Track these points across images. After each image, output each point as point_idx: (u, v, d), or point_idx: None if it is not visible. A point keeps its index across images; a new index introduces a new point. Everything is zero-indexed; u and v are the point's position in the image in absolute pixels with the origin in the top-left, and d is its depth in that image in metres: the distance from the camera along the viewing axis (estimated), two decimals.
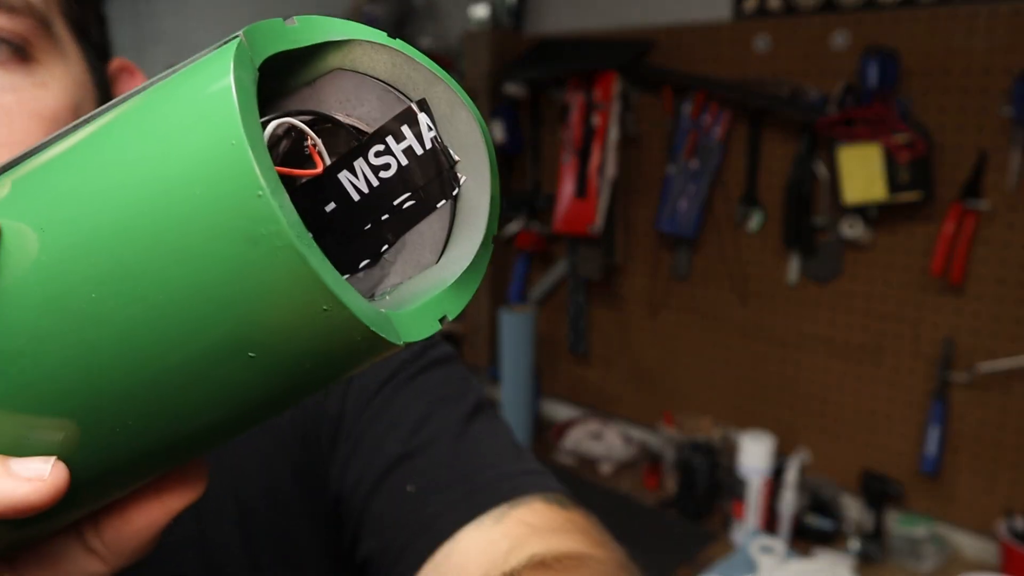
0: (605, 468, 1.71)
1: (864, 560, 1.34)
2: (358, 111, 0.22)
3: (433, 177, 0.22)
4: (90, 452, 0.21)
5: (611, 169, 1.65)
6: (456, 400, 0.51)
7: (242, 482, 0.48)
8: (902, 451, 1.44)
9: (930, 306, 1.37)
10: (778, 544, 1.33)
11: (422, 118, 0.21)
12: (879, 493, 1.39)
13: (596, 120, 1.65)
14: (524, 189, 1.93)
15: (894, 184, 1.32)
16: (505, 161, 1.94)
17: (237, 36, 0.19)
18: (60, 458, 0.21)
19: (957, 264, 1.29)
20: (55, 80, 0.40)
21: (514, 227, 1.92)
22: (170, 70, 0.20)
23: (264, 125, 0.19)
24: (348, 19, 0.24)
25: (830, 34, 1.41)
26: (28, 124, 0.38)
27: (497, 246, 1.95)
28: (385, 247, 0.22)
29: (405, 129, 0.21)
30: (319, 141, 0.21)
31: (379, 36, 0.22)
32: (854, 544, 1.36)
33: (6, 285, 0.19)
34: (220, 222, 0.17)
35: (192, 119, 0.18)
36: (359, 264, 0.22)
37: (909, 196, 1.32)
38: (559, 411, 1.98)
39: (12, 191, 0.20)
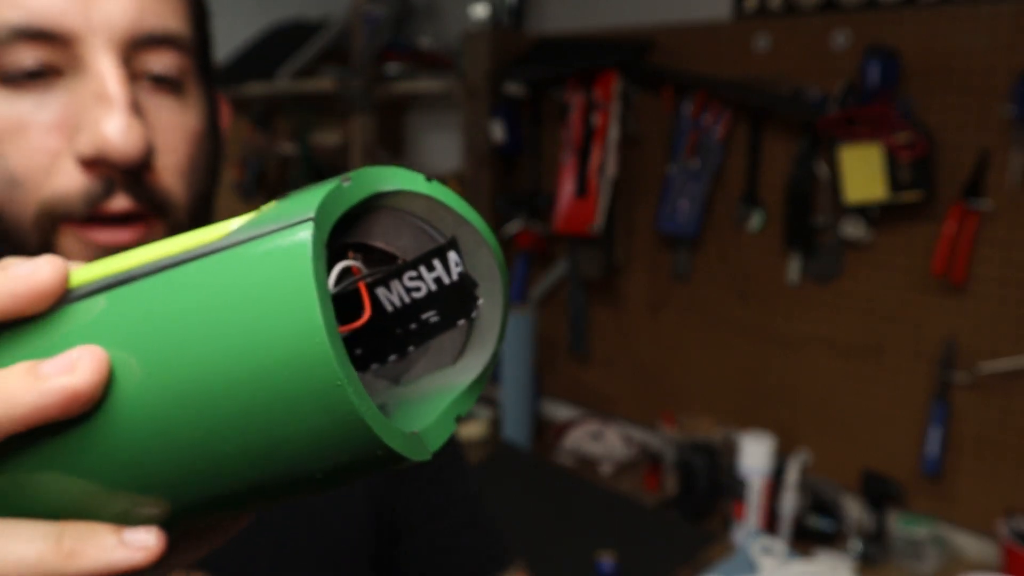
0: (605, 468, 1.71)
1: (865, 560, 1.33)
2: (397, 243, 0.27)
3: (456, 302, 0.27)
4: (175, 525, 0.27)
5: (611, 169, 1.65)
6: (469, 476, 0.68)
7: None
8: (903, 451, 1.43)
9: (931, 306, 1.37)
10: (779, 544, 1.33)
11: (451, 255, 0.26)
12: (880, 493, 1.38)
13: (596, 120, 1.65)
14: (524, 189, 1.93)
15: (895, 184, 1.32)
16: (505, 161, 1.94)
17: (310, 220, 0.23)
18: (159, 527, 0.26)
19: (958, 264, 1.29)
20: (195, 107, 0.51)
21: (514, 227, 1.92)
22: (259, 228, 0.24)
23: (330, 268, 0.25)
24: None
25: (831, 33, 1.41)
26: (180, 139, 0.49)
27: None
28: (411, 348, 0.27)
29: (436, 262, 0.26)
30: (367, 276, 0.26)
31: (419, 183, 0.27)
32: (855, 545, 1.36)
33: (115, 407, 0.25)
34: (304, 398, 0.23)
35: (280, 312, 0.23)
36: (388, 358, 0.27)
37: (910, 196, 1.31)
38: (559, 411, 1.98)
39: (109, 311, 0.25)
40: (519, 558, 0.69)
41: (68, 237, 0.46)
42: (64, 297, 0.26)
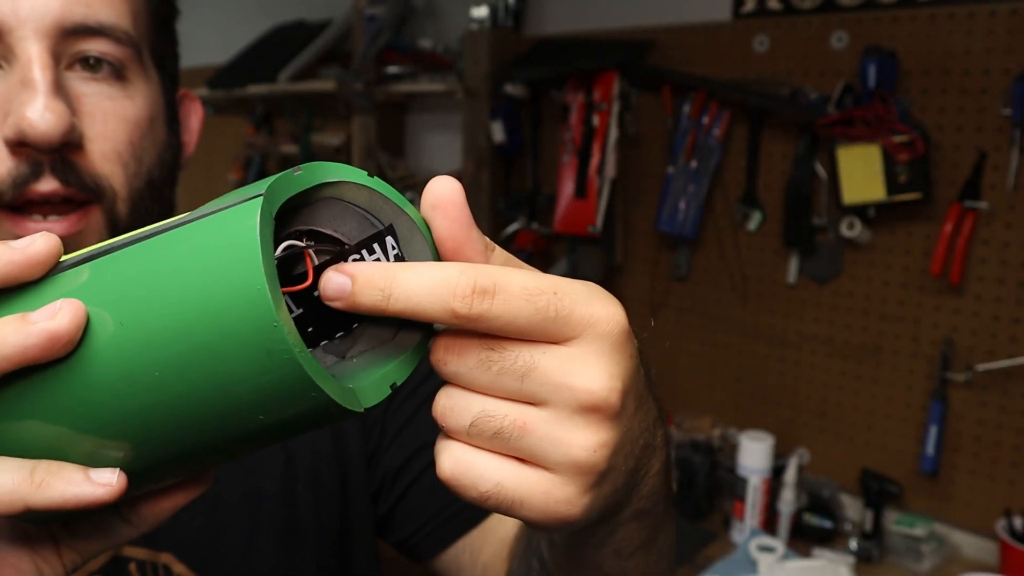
0: None
1: (863, 559, 1.34)
2: (342, 229, 0.31)
3: None
4: (139, 465, 0.31)
5: (611, 169, 1.66)
6: None
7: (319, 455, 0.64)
8: (901, 451, 1.44)
9: (929, 306, 1.38)
10: (777, 543, 1.33)
11: (389, 240, 0.31)
12: (878, 492, 1.39)
13: (596, 120, 1.65)
14: (524, 189, 1.94)
15: (893, 184, 1.33)
16: (505, 161, 1.94)
17: (260, 196, 0.28)
18: (121, 469, 0.31)
19: (956, 264, 1.30)
20: (139, 95, 0.52)
21: (514, 227, 1.93)
22: (219, 205, 0.29)
23: (278, 244, 0.29)
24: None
25: (829, 34, 1.41)
26: (117, 125, 0.50)
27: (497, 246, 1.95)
28: (355, 324, 0.32)
29: (376, 246, 0.31)
30: (314, 256, 0.30)
31: (361, 177, 0.31)
32: (853, 543, 1.36)
33: (91, 355, 0.29)
34: (248, 339, 0.27)
35: (230, 267, 0.27)
36: (336, 334, 0.31)
37: (908, 196, 1.32)
38: None
39: (91, 279, 0.30)
40: None
41: (1, 227, 0.48)
42: (55, 267, 0.31)
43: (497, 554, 0.62)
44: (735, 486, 1.41)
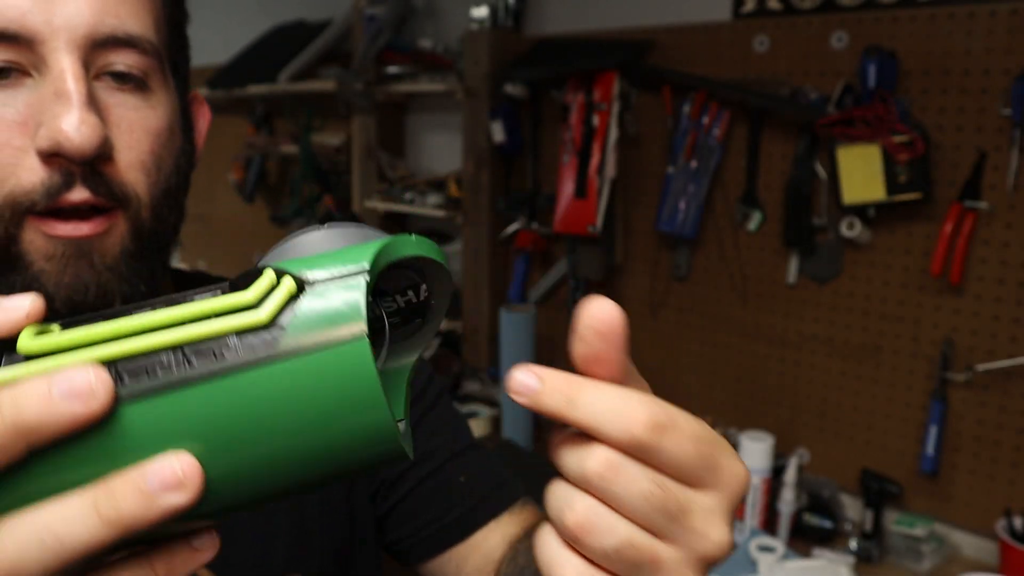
0: None
1: (863, 559, 1.34)
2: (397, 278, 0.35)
3: (419, 308, 0.36)
4: (216, 491, 0.29)
5: (611, 169, 1.66)
6: (463, 424, 0.74)
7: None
8: (901, 451, 1.44)
9: (929, 306, 1.38)
10: (777, 543, 1.33)
11: (423, 286, 0.35)
12: (878, 492, 1.39)
13: (596, 120, 1.65)
14: (524, 189, 1.94)
15: (893, 184, 1.33)
16: (505, 161, 1.94)
17: (363, 334, 0.28)
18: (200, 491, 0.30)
19: (956, 264, 1.30)
20: (161, 105, 0.53)
21: (514, 227, 1.93)
22: (301, 331, 0.29)
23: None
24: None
25: (829, 34, 1.41)
26: (142, 136, 0.51)
27: (497, 246, 1.95)
28: (387, 339, 0.35)
29: (410, 290, 0.35)
30: (384, 315, 0.35)
31: (410, 248, 0.33)
32: (853, 543, 1.36)
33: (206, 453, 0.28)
34: (363, 449, 0.29)
35: (352, 411, 0.28)
36: (379, 352, 0.34)
37: (908, 196, 1.32)
38: None
39: (174, 417, 0.28)
40: (526, 498, 0.73)
41: (31, 231, 0.49)
42: (115, 403, 0.28)
43: (481, 569, 0.66)
44: None
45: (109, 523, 0.27)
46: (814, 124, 1.39)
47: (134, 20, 0.51)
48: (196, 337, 0.28)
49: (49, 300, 0.47)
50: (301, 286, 0.29)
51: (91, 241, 0.49)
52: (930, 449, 1.36)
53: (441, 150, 2.25)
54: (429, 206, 2.07)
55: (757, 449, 1.39)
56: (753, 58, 1.52)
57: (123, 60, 0.50)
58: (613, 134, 1.65)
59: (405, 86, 2.12)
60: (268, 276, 0.29)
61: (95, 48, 0.49)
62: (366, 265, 0.29)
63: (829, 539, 1.40)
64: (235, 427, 0.28)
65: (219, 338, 0.28)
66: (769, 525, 1.41)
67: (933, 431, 1.36)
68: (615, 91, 1.63)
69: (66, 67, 0.47)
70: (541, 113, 1.88)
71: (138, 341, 0.28)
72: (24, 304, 0.29)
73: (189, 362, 0.28)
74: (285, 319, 0.28)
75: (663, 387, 1.78)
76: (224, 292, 0.30)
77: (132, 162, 0.51)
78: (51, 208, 0.48)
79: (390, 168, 2.26)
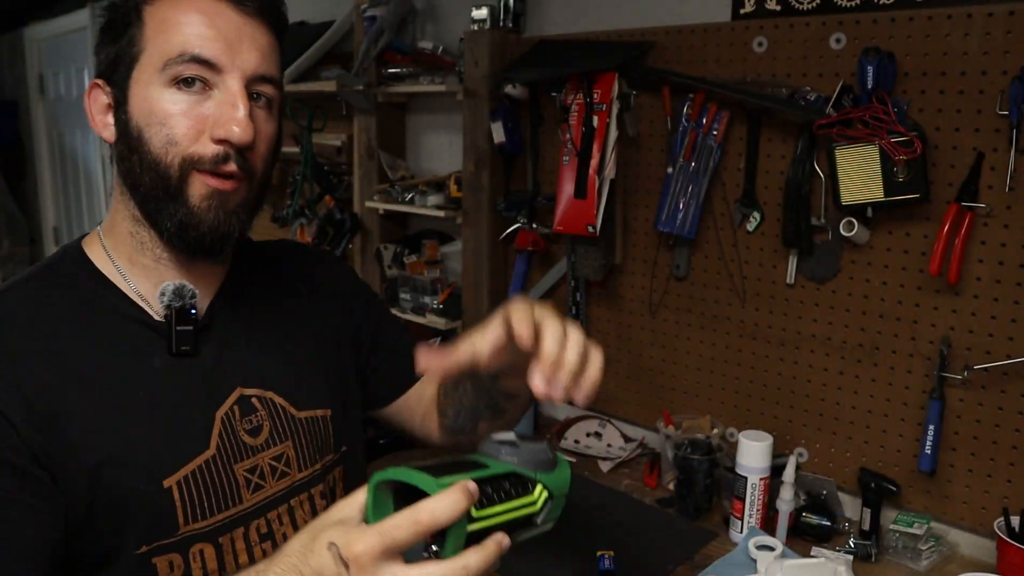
0: (604, 466, 1.72)
1: (861, 558, 1.34)
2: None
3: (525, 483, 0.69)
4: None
5: (611, 169, 1.66)
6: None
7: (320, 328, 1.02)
8: (899, 450, 1.44)
9: (927, 306, 1.38)
10: (776, 542, 1.34)
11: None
12: (876, 491, 1.39)
13: (596, 120, 1.66)
14: (524, 189, 1.94)
15: (891, 185, 1.33)
16: (505, 161, 1.95)
17: (559, 505, 0.71)
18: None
19: (954, 264, 1.30)
20: (275, 119, 0.86)
21: (514, 227, 1.93)
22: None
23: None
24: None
25: (828, 35, 1.42)
26: (267, 137, 0.84)
27: (497, 246, 1.96)
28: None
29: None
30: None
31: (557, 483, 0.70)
32: (851, 542, 1.37)
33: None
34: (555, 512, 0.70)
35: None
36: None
37: (906, 196, 1.33)
38: (559, 409, 1.99)
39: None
40: None
41: (195, 181, 0.80)
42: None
43: (428, 405, 1.08)
44: (734, 485, 1.42)
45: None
46: (813, 125, 1.40)
47: (275, 68, 0.83)
48: (519, 516, 0.64)
49: (198, 225, 0.80)
50: (550, 496, 0.67)
51: (227, 194, 0.81)
52: (928, 448, 1.37)
53: (441, 150, 2.25)
54: (429, 206, 2.07)
55: (756, 448, 1.39)
56: (752, 59, 1.52)
57: (265, 90, 0.83)
58: (613, 134, 1.65)
59: (406, 87, 2.12)
60: (540, 490, 0.66)
61: (253, 81, 0.81)
62: (559, 494, 0.68)
63: (827, 538, 1.41)
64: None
65: (529, 515, 0.65)
66: (768, 524, 1.42)
67: (931, 430, 1.36)
68: (615, 92, 1.64)
69: (237, 91, 0.79)
70: (541, 113, 1.88)
71: (500, 517, 0.62)
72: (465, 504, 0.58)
73: (513, 524, 0.64)
74: (542, 514, 0.66)
75: (662, 386, 1.79)
76: (518, 493, 0.65)
77: (262, 152, 0.83)
78: (212, 170, 0.79)
79: (390, 168, 2.26)
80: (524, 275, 1.98)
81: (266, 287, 0.99)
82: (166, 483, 0.81)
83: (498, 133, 1.87)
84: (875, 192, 1.35)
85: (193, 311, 0.86)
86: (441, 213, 2.04)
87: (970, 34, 1.27)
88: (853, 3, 1.40)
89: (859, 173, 1.35)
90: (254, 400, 0.90)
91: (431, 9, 2.19)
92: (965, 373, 1.34)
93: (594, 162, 1.65)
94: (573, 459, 1.77)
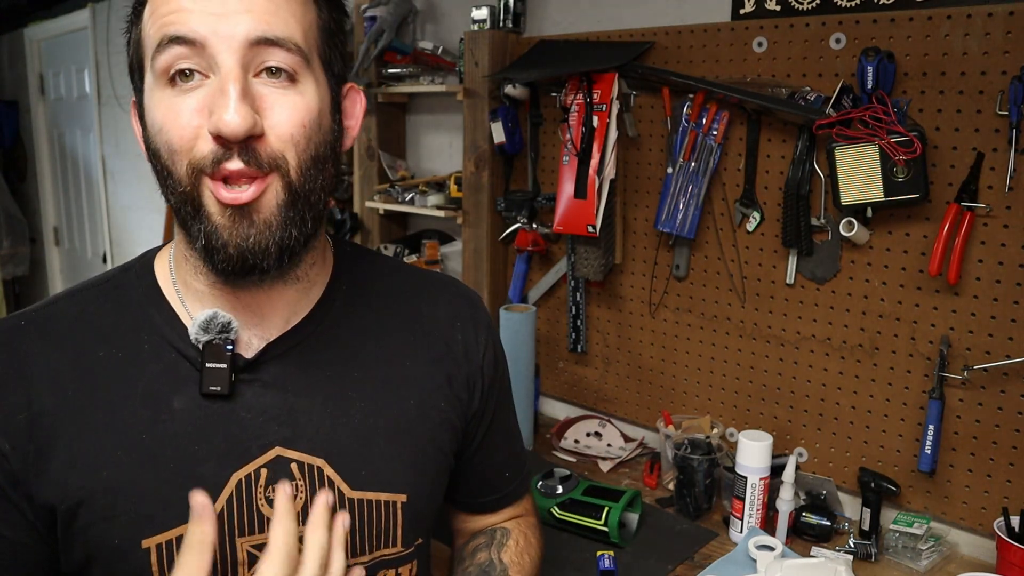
0: (604, 466, 1.72)
1: (861, 558, 1.35)
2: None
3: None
4: None
5: (610, 169, 1.66)
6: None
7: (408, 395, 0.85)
8: (899, 450, 1.45)
9: (927, 306, 1.38)
10: (776, 542, 1.34)
11: None
12: (876, 491, 1.40)
13: (596, 121, 1.66)
14: (524, 189, 1.94)
15: (891, 185, 1.33)
16: (505, 161, 1.95)
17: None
18: None
19: (954, 264, 1.30)
20: (308, 92, 0.69)
21: (514, 227, 1.93)
22: None
23: None
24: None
25: (828, 36, 1.42)
26: (291, 114, 0.67)
27: (497, 246, 1.96)
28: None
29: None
30: None
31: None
32: (851, 542, 1.37)
33: None
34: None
35: None
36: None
37: (906, 197, 1.33)
38: (558, 410, 1.99)
39: None
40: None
41: (206, 189, 0.67)
42: None
43: (463, 533, 1.00)
44: (734, 485, 1.42)
45: None
46: (812, 125, 1.40)
47: (282, 27, 0.66)
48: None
49: (223, 245, 0.67)
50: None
51: (250, 205, 0.66)
52: (928, 448, 1.37)
53: (441, 150, 2.26)
54: (429, 206, 2.07)
55: (756, 448, 1.39)
56: (752, 59, 1.52)
57: (274, 58, 0.66)
58: (613, 135, 1.65)
59: (406, 87, 2.12)
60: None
61: (250, 47, 0.65)
62: None
63: (827, 538, 1.41)
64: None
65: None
66: (768, 524, 1.42)
67: (931, 430, 1.36)
68: (615, 92, 1.64)
69: (228, 68, 0.64)
70: (541, 113, 1.88)
71: None
72: None
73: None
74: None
75: (662, 386, 1.79)
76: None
77: (281, 135, 0.67)
78: (219, 176, 0.65)
79: (391, 168, 2.26)
80: (524, 275, 1.98)
81: (362, 328, 0.82)
82: (144, 543, 0.70)
83: (498, 133, 1.87)
84: (875, 192, 1.35)
85: (229, 347, 0.73)
86: (441, 213, 2.04)
87: (970, 34, 1.27)
88: (853, 3, 1.40)
89: (859, 173, 1.36)
90: (294, 466, 0.75)
91: (431, 9, 2.19)
92: (965, 373, 1.34)
93: (594, 162, 1.66)
94: (573, 459, 1.77)
